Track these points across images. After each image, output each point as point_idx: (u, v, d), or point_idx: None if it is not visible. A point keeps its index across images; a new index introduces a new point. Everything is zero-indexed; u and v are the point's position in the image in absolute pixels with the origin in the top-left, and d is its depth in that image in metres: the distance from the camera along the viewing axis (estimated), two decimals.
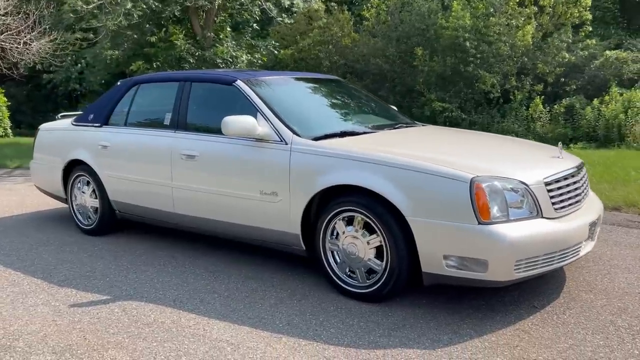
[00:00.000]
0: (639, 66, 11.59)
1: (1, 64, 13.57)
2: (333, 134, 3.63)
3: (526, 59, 11.90)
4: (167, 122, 4.22)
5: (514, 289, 3.29)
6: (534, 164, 3.33)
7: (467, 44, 11.33)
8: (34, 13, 12.80)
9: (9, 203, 6.35)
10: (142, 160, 4.32)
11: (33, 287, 3.62)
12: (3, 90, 15.75)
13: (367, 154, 3.20)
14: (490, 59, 11.54)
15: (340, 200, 3.26)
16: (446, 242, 2.90)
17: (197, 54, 12.10)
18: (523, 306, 3.12)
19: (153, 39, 12.36)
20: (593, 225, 3.25)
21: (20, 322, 3.08)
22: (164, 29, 12.74)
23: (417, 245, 2.98)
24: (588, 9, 12.14)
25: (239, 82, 3.91)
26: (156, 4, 11.44)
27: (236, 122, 3.53)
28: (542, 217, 2.96)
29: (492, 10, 11.72)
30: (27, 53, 12.91)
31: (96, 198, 4.76)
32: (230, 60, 12.08)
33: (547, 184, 3.02)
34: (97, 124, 4.75)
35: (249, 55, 12.59)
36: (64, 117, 5.57)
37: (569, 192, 3.18)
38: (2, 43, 12.55)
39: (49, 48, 12.90)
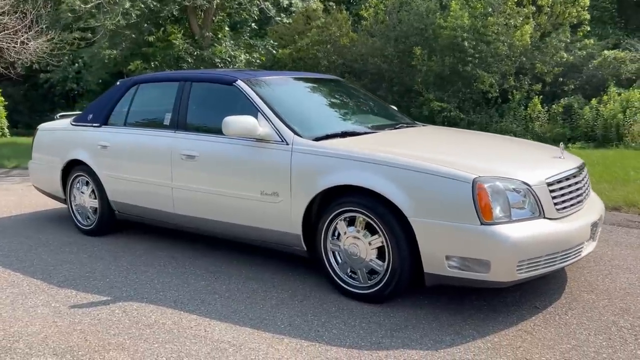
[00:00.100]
0: (637, 66, 11.61)
1: None
2: (334, 134, 3.62)
3: (524, 59, 11.90)
4: (167, 122, 4.21)
5: (515, 289, 3.29)
6: (535, 164, 3.33)
7: (466, 43, 11.33)
8: (31, 12, 12.76)
9: (7, 203, 6.32)
10: (142, 161, 4.31)
11: (33, 288, 3.60)
12: (0, 90, 15.69)
13: (369, 154, 3.19)
14: (489, 58, 11.55)
15: (342, 201, 3.25)
16: (448, 243, 2.89)
17: (195, 53, 12.07)
18: (525, 307, 3.12)
19: (151, 38, 12.33)
20: (595, 225, 3.24)
21: (21, 324, 3.06)
22: (162, 29, 12.71)
23: (419, 245, 2.97)
24: (586, 8, 12.14)
25: (240, 82, 3.90)
26: (154, 3, 11.41)
27: (237, 122, 3.52)
28: (544, 217, 2.95)
29: (490, 10, 11.72)
30: (24, 52, 12.87)
31: (95, 198, 4.74)
32: (229, 60, 12.06)
33: (549, 184, 3.02)
34: (96, 124, 4.73)
35: (247, 54, 12.57)
36: (62, 117, 5.55)
37: (570, 192, 3.17)
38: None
39: (46, 47, 12.87)
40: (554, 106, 11.45)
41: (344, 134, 3.66)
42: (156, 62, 12.21)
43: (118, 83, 4.96)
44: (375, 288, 3.16)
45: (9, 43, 12.61)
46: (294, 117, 3.69)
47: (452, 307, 3.14)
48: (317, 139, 3.50)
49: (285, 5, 12.62)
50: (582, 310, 3.05)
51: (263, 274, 3.76)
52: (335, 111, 4.31)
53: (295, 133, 3.53)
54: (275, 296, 3.37)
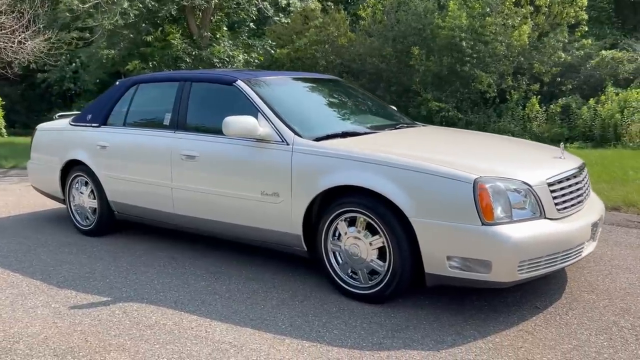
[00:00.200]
0: (634, 66, 11.63)
1: None
2: (334, 134, 3.62)
3: (522, 59, 11.91)
4: (166, 122, 4.20)
5: (516, 289, 3.29)
6: (536, 164, 3.34)
7: (464, 43, 11.33)
8: (28, 12, 12.72)
9: (5, 203, 6.30)
10: (142, 161, 4.30)
11: (32, 289, 3.59)
12: None
13: (370, 155, 3.19)
14: (487, 58, 11.55)
15: (343, 201, 3.25)
16: (449, 243, 2.89)
17: (193, 53, 12.05)
18: (526, 307, 3.12)
19: (149, 38, 12.30)
20: (595, 225, 3.25)
21: (20, 324, 3.05)
22: (160, 29, 12.68)
23: (420, 246, 2.97)
24: (584, 9, 12.16)
25: (240, 82, 3.89)
26: (152, 3, 11.39)
27: (237, 122, 3.51)
28: (545, 217, 2.96)
29: (488, 10, 11.73)
30: (22, 52, 12.82)
31: (94, 198, 4.73)
32: (227, 59, 12.04)
33: (550, 184, 3.02)
34: (95, 124, 4.72)
35: (245, 54, 12.55)
36: (61, 117, 5.54)
37: (571, 192, 3.18)
38: None
39: (44, 47, 12.83)
40: (551, 106, 11.47)
41: (344, 134, 3.66)
42: (154, 62, 12.19)
43: (117, 83, 4.95)
44: (376, 288, 3.16)
45: (6, 43, 12.56)
46: (294, 117, 3.69)
47: (453, 307, 3.14)
48: (318, 139, 3.50)
49: (283, 5, 12.60)
50: (583, 311, 3.06)
51: (263, 274, 3.75)
52: (336, 111, 4.31)
53: (296, 133, 3.52)
54: (275, 297, 3.37)
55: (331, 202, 3.31)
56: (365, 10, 13.87)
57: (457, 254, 2.88)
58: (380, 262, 3.14)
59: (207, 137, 3.91)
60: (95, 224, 4.76)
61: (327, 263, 3.37)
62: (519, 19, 11.73)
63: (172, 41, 11.95)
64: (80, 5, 10.74)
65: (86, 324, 3.04)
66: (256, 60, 13.03)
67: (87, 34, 13.26)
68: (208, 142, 3.89)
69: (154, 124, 4.36)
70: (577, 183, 3.27)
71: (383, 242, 3.10)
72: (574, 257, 3.07)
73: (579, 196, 3.25)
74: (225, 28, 13.22)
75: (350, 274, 3.30)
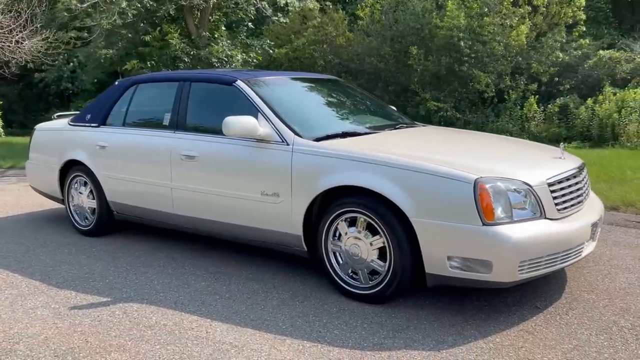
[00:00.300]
0: (631, 66, 11.66)
1: None
2: (334, 134, 3.62)
3: (520, 59, 11.94)
4: (166, 122, 4.19)
5: (516, 289, 3.30)
6: (536, 164, 3.34)
7: (462, 43, 11.35)
8: (25, 11, 12.68)
9: (4, 204, 6.29)
10: (141, 161, 4.29)
11: (32, 289, 3.58)
12: None
13: (370, 155, 3.19)
14: (485, 58, 11.57)
15: (343, 201, 3.25)
16: (450, 243, 2.90)
17: (192, 53, 12.03)
18: (526, 307, 3.12)
19: (147, 38, 12.28)
20: (595, 225, 3.26)
21: (20, 325, 3.04)
22: (158, 28, 12.66)
23: (420, 246, 2.97)
24: (582, 9, 12.18)
25: (240, 82, 3.89)
26: (151, 2, 11.36)
27: (237, 122, 3.51)
28: (545, 217, 2.96)
29: (486, 10, 11.75)
30: (19, 52, 12.79)
31: (94, 199, 4.72)
32: (226, 59, 12.02)
33: (550, 184, 3.03)
34: (94, 124, 4.71)
35: (244, 54, 12.54)
36: (60, 117, 5.53)
37: (571, 192, 3.19)
38: None
39: (41, 47, 12.79)
40: (549, 106, 11.49)
41: (344, 134, 3.66)
42: (152, 62, 12.16)
43: (116, 83, 4.94)
44: (377, 288, 3.16)
45: (3, 42, 12.53)
46: (294, 118, 3.69)
47: (453, 307, 3.14)
48: (318, 140, 3.50)
49: (282, 5, 12.59)
50: (583, 310, 3.07)
51: (263, 274, 3.75)
52: (335, 111, 4.31)
53: (296, 133, 3.52)
54: (276, 297, 3.37)
55: (331, 203, 3.31)
56: (364, 10, 13.87)
57: (458, 254, 2.88)
58: (381, 262, 3.14)
59: (207, 137, 3.90)
60: (95, 224, 4.75)
61: (327, 263, 3.37)
62: (517, 19, 11.75)
63: (171, 41, 11.92)
64: (78, 4, 10.71)
65: (86, 324, 3.04)
66: (254, 60, 13.01)
67: (85, 34, 13.23)
68: (208, 142, 3.88)
69: (154, 124, 4.36)
70: (577, 183, 3.28)
71: (383, 242, 3.11)
72: (574, 257, 3.07)
73: (578, 196, 3.26)
74: (223, 28, 13.20)
75: (351, 274, 3.30)
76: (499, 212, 2.83)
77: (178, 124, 4.11)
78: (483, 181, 2.84)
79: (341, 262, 3.33)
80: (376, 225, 3.11)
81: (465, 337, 2.79)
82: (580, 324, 2.90)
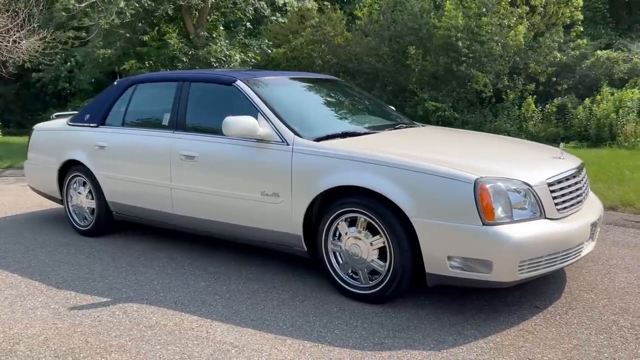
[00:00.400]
0: (629, 66, 11.67)
1: None
2: (334, 134, 3.62)
3: (518, 59, 11.94)
4: (165, 122, 4.19)
5: (515, 289, 3.30)
6: (536, 164, 3.35)
7: (460, 43, 11.35)
8: (22, 11, 12.65)
9: (2, 204, 6.27)
10: (140, 161, 4.29)
11: (31, 290, 3.57)
12: None
13: (370, 155, 3.19)
14: (483, 58, 11.58)
15: (343, 201, 3.25)
16: (450, 243, 2.90)
17: (190, 53, 12.02)
18: (525, 307, 3.13)
19: (146, 37, 12.26)
20: (594, 225, 3.27)
21: (20, 325, 3.04)
22: (156, 28, 12.65)
23: (420, 246, 2.98)
24: (579, 9, 12.20)
25: (239, 83, 3.89)
26: (149, 2, 11.34)
27: (237, 122, 3.51)
28: (545, 217, 2.97)
29: (484, 10, 11.75)
30: (16, 51, 12.75)
31: (93, 199, 4.71)
32: (224, 59, 12.01)
33: (549, 184, 3.03)
34: (93, 124, 4.70)
35: (242, 54, 12.53)
36: (58, 117, 5.53)
37: (570, 192, 3.19)
38: None
39: (39, 46, 12.76)
40: (547, 106, 11.50)
41: (344, 135, 3.66)
42: (151, 62, 12.14)
43: (115, 83, 4.93)
44: (377, 288, 3.16)
45: (1, 42, 12.49)
46: (294, 118, 3.69)
47: (453, 307, 3.15)
48: (318, 140, 3.50)
49: (280, 5, 12.58)
50: (582, 310, 3.07)
51: (263, 274, 3.75)
52: (335, 111, 4.31)
53: (296, 133, 3.52)
54: (276, 297, 3.37)
55: (331, 203, 3.32)
56: (362, 10, 13.87)
57: (458, 254, 2.88)
58: (381, 262, 3.14)
59: (207, 137, 3.90)
60: (94, 224, 4.75)
61: (327, 263, 3.37)
62: (515, 19, 11.76)
63: (169, 41, 11.91)
64: (76, 4, 10.69)
65: (86, 324, 3.03)
66: (253, 60, 13.01)
67: (84, 34, 13.20)
68: (207, 142, 3.88)
69: (153, 124, 4.35)
70: (576, 183, 3.29)
71: (384, 242, 3.11)
72: (574, 256, 3.08)
73: (578, 196, 3.27)
74: (221, 27, 13.19)
75: (351, 274, 3.31)
76: (499, 212, 2.84)
77: (177, 124, 4.11)
78: (483, 181, 2.85)
79: (341, 262, 3.33)
80: (376, 225, 3.12)
81: (466, 336, 2.80)
82: (580, 324, 2.91)
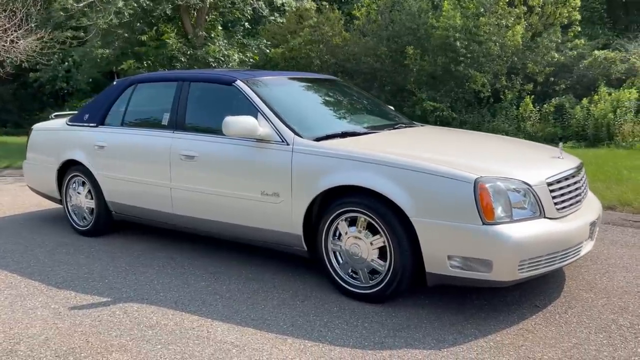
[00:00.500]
0: (626, 66, 11.70)
1: None
2: (334, 134, 3.63)
3: (516, 59, 11.96)
4: (165, 122, 4.19)
5: (515, 288, 3.32)
6: (535, 164, 3.36)
7: (458, 43, 11.37)
8: (20, 11, 12.62)
9: (0, 204, 6.26)
10: (140, 161, 4.29)
11: (31, 290, 3.57)
12: None
13: (370, 155, 3.20)
14: (481, 58, 11.59)
15: (343, 201, 3.26)
16: (450, 243, 2.91)
17: (188, 52, 12.02)
18: (525, 306, 3.14)
19: (144, 37, 12.25)
20: (593, 224, 3.28)
21: (21, 325, 3.04)
22: (154, 28, 12.64)
23: (420, 245, 2.99)
24: (577, 9, 12.23)
25: (239, 82, 3.89)
26: (147, 2, 11.34)
27: (237, 122, 3.51)
28: (545, 217, 2.98)
29: (482, 10, 11.77)
30: (14, 51, 12.73)
31: (92, 199, 4.71)
32: (222, 59, 12.01)
33: (549, 184, 3.05)
34: (92, 124, 4.70)
35: (240, 54, 12.53)
36: (57, 116, 5.52)
37: (570, 192, 3.21)
38: None
39: (36, 46, 12.73)
40: (545, 106, 11.52)
41: (344, 134, 3.67)
42: (149, 62, 12.14)
43: (115, 83, 4.93)
44: (377, 288, 3.17)
45: None
46: (294, 118, 3.69)
47: (453, 306, 3.16)
48: (318, 139, 3.51)
49: (278, 5, 12.59)
50: (582, 309, 3.09)
51: (263, 274, 3.76)
52: (335, 111, 4.31)
53: (296, 133, 3.53)
54: (276, 297, 3.37)
55: (331, 202, 3.32)
56: (360, 10, 13.88)
57: (458, 253, 2.89)
58: (381, 262, 3.15)
59: (206, 137, 3.91)
60: (93, 224, 4.75)
61: (327, 263, 3.38)
62: (513, 19, 11.78)
63: (167, 40, 11.91)
64: (74, 4, 10.68)
65: (87, 324, 3.04)
66: (251, 60, 13.01)
67: (82, 33, 13.19)
68: (207, 142, 3.88)
69: (153, 123, 4.35)
70: (575, 183, 3.30)
71: (384, 242, 3.12)
72: (573, 256, 3.09)
73: (577, 195, 3.28)
74: (220, 27, 13.19)
75: (351, 273, 3.31)
76: (499, 211, 2.85)
77: (177, 124, 4.11)
78: (483, 181, 2.86)
79: (341, 261, 3.34)
80: (376, 225, 3.12)
81: (466, 335, 2.81)
82: (580, 323, 2.92)
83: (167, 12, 12.42)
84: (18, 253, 4.36)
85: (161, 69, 11.87)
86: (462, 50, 11.40)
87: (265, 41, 13.68)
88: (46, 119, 5.67)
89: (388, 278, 3.12)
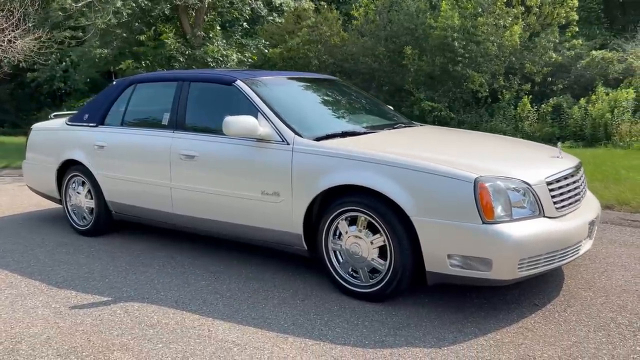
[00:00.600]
0: (624, 66, 11.74)
1: None
2: (334, 134, 3.64)
3: (514, 59, 11.99)
4: (165, 122, 4.20)
5: (514, 287, 3.33)
6: (535, 163, 3.38)
7: (456, 43, 11.39)
8: (18, 10, 12.61)
9: None
10: (140, 161, 4.29)
11: (31, 289, 3.58)
12: None
13: (370, 154, 3.21)
14: (479, 58, 11.62)
15: (343, 201, 3.27)
16: (450, 242, 2.92)
17: (187, 52, 12.02)
18: (525, 304, 3.16)
19: (142, 37, 12.25)
20: (592, 224, 3.30)
21: (22, 325, 3.04)
22: (153, 28, 12.63)
23: (420, 244, 3.00)
24: (575, 9, 12.27)
25: (239, 82, 3.90)
26: (146, 2, 11.35)
27: (237, 122, 3.52)
28: (544, 216, 3.00)
29: (480, 10, 11.80)
30: (11, 51, 12.71)
31: (92, 198, 4.71)
32: (221, 59, 12.02)
33: (548, 183, 3.06)
34: (92, 124, 4.71)
35: (239, 54, 12.54)
36: (57, 116, 5.52)
37: (569, 191, 3.22)
38: None
39: (34, 46, 12.72)
40: (543, 106, 11.55)
41: (344, 134, 3.68)
42: (147, 62, 12.13)
43: (114, 83, 4.94)
44: (377, 287, 3.18)
45: None
46: (294, 117, 3.71)
47: (453, 305, 3.17)
48: (318, 139, 3.52)
49: (277, 5, 12.60)
50: (581, 308, 3.10)
51: (264, 273, 3.77)
52: (335, 111, 4.33)
53: (296, 133, 3.54)
54: (277, 296, 3.38)
55: (332, 202, 3.33)
56: (358, 10, 13.89)
57: (458, 252, 2.91)
58: (381, 261, 3.16)
59: (207, 136, 3.91)
60: (93, 224, 4.75)
61: (327, 262, 3.39)
62: (511, 19, 11.81)
63: (166, 40, 11.91)
64: (73, 4, 10.67)
65: (88, 323, 3.04)
66: (250, 60, 13.02)
67: (80, 33, 13.18)
68: (207, 142, 3.89)
69: (153, 123, 4.36)
70: (574, 182, 3.32)
71: (384, 241, 3.13)
72: (572, 255, 3.11)
73: (576, 195, 3.30)
74: (218, 27, 13.19)
75: (351, 272, 3.33)
76: (498, 210, 2.86)
77: (177, 124, 4.12)
78: (483, 180, 2.88)
79: (341, 260, 3.35)
80: (377, 224, 3.14)
81: (466, 334, 2.82)
82: (579, 321, 2.94)
83: (166, 12, 12.42)
84: (18, 253, 4.36)
85: (159, 69, 11.87)
86: (460, 50, 11.43)
87: (263, 41, 13.69)
88: (44, 119, 5.68)
89: (388, 277, 3.13)
